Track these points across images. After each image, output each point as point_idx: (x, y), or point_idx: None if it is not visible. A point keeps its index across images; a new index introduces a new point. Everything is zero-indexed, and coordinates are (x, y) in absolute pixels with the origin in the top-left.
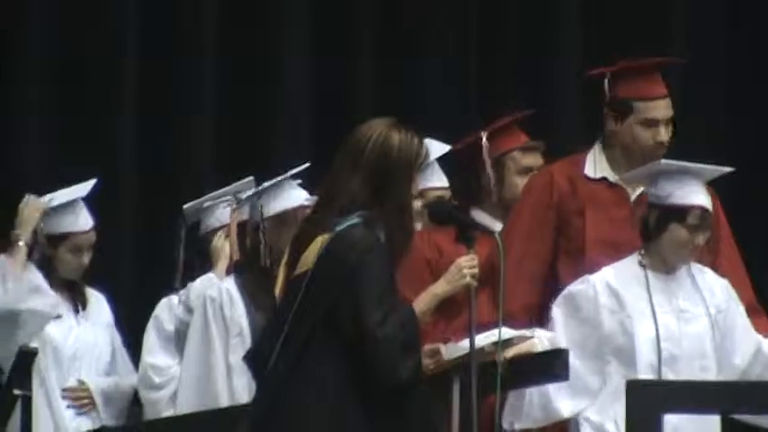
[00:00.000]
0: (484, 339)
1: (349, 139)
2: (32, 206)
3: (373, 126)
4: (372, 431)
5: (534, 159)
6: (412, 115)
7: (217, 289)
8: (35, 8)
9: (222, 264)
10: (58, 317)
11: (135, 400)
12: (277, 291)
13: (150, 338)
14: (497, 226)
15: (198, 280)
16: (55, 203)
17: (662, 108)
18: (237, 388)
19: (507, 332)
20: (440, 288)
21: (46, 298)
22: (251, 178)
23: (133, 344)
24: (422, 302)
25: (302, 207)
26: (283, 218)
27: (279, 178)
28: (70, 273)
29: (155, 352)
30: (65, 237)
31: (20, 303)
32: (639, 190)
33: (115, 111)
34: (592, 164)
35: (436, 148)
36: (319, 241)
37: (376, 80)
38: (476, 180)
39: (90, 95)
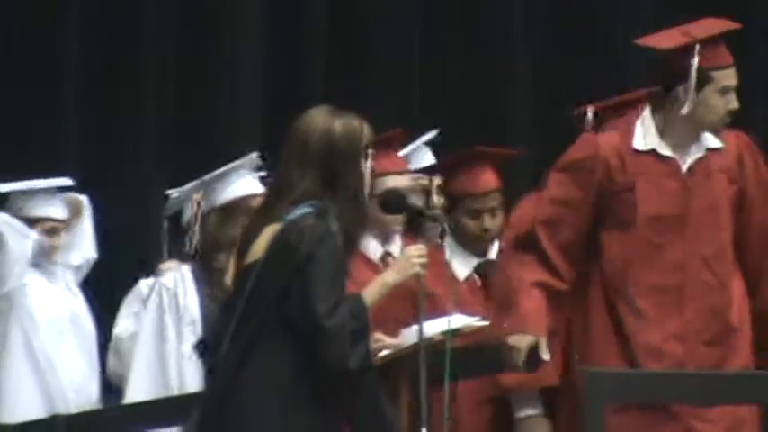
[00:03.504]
0: (434, 327)
1: (292, 132)
2: None
3: (313, 117)
4: (323, 422)
5: None
6: (364, 112)
7: (172, 277)
8: None
9: None
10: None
11: (110, 388)
12: (228, 280)
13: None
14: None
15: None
16: (35, 187)
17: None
18: (187, 376)
19: (458, 320)
20: (390, 277)
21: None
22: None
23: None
24: (371, 291)
25: (250, 197)
26: (229, 208)
27: (223, 168)
28: (44, 255)
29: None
30: (38, 221)
31: None
32: (690, 160)
33: (60, 112)
34: (641, 135)
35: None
36: (270, 230)
37: (326, 77)
38: None
39: (33, 96)
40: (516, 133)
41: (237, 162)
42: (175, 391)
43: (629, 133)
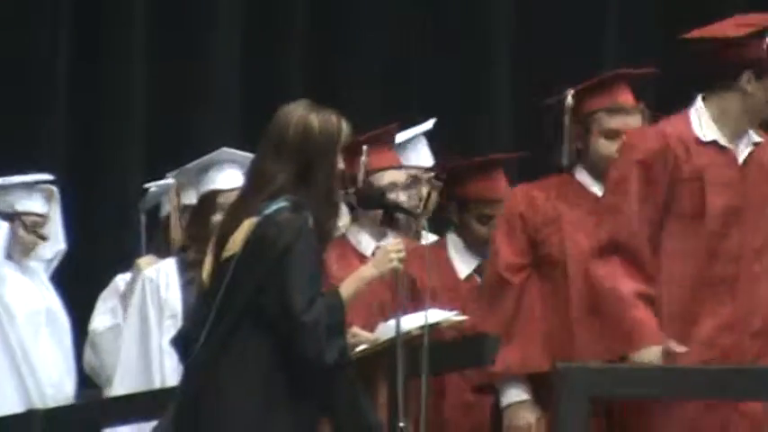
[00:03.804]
0: (411, 322)
1: (270, 125)
2: None
3: (291, 110)
4: (300, 417)
5: (622, 123)
6: (342, 110)
7: (155, 270)
8: None
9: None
10: None
11: (88, 382)
12: (204, 275)
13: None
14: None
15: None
16: (14, 181)
17: None
18: (168, 370)
19: (436, 315)
20: (367, 272)
21: None
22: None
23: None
24: (349, 286)
25: (220, 192)
26: (199, 203)
27: (193, 163)
28: (22, 249)
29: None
30: (18, 215)
31: None
32: (745, 152)
33: (45, 113)
34: (698, 126)
35: (422, 124)
36: (246, 225)
37: (306, 80)
38: (560, 140)
39: (19, 98)
40: (497, 127)
41: (207, 157)
42: (158, 386)
43: (688, 123)
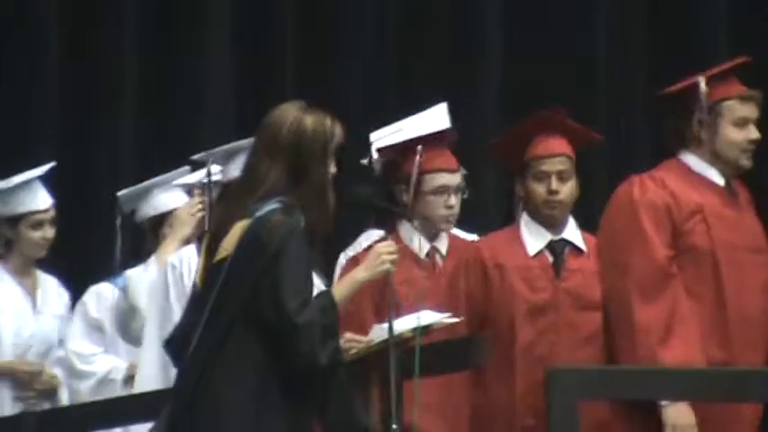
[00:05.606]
0: (404, 324)
1: (263, 125)
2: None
3: (285, 111)
4: (294, 419)
5: (751, 111)
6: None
7: (178, 256)
8: None
9: (172, 244)
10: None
11: None
12: (196, 277)
13: (75, 325)
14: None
15: (135, 269)
16: (11, 184)
17: None
18: None
19: (428, 317)
20: (359, 274)
21: None
22: (186, 167)
23: None
24: (342, 288)
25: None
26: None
27: (230, 145)
28: (35, 249)
29: (78, 338)
30: (23, 216)
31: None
32: None
33: (39, 111)
34: None
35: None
36: (239, 227)
37: (298, 80)
38: (687, 126)
39: (16, 96)
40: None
41: (236, 144)
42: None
43: None
